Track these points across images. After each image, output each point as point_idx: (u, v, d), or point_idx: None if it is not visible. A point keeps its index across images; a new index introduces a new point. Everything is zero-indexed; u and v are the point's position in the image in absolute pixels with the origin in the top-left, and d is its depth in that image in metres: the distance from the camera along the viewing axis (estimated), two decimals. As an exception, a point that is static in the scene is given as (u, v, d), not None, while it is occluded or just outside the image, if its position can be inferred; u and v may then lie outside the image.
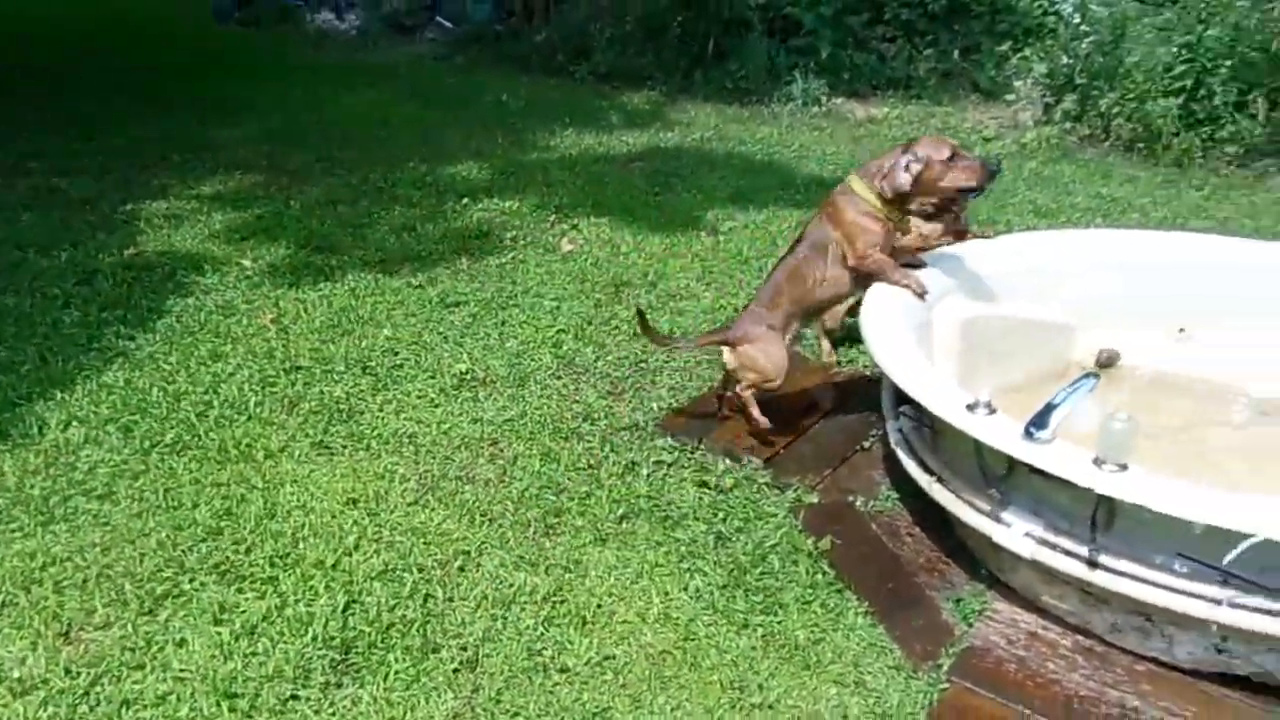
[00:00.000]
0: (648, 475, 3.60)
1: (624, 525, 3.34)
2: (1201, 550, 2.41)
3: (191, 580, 3.04)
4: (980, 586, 3.07)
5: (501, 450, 3.74)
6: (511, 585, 3.04)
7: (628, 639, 2.85)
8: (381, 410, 3.98)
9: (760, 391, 3.70)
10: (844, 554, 3.20)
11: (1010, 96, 8.49)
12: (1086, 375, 2.70)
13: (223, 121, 8.37)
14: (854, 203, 3.47)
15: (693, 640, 2.85)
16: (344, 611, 2.91)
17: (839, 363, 4.43)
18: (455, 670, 2.73)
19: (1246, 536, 2.28)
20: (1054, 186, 6.82)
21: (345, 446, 3.73)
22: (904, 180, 3.36)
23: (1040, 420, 2.56)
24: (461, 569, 3.12)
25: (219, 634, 2.82)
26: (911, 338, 3.24)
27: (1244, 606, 2.43)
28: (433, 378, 4.23)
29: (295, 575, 3.05)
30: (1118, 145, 7.48)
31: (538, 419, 3.95)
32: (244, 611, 2.91)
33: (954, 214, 3.99)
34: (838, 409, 4.05)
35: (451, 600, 2.99)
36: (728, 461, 3.69)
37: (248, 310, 4.83)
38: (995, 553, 2.91)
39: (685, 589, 3.05)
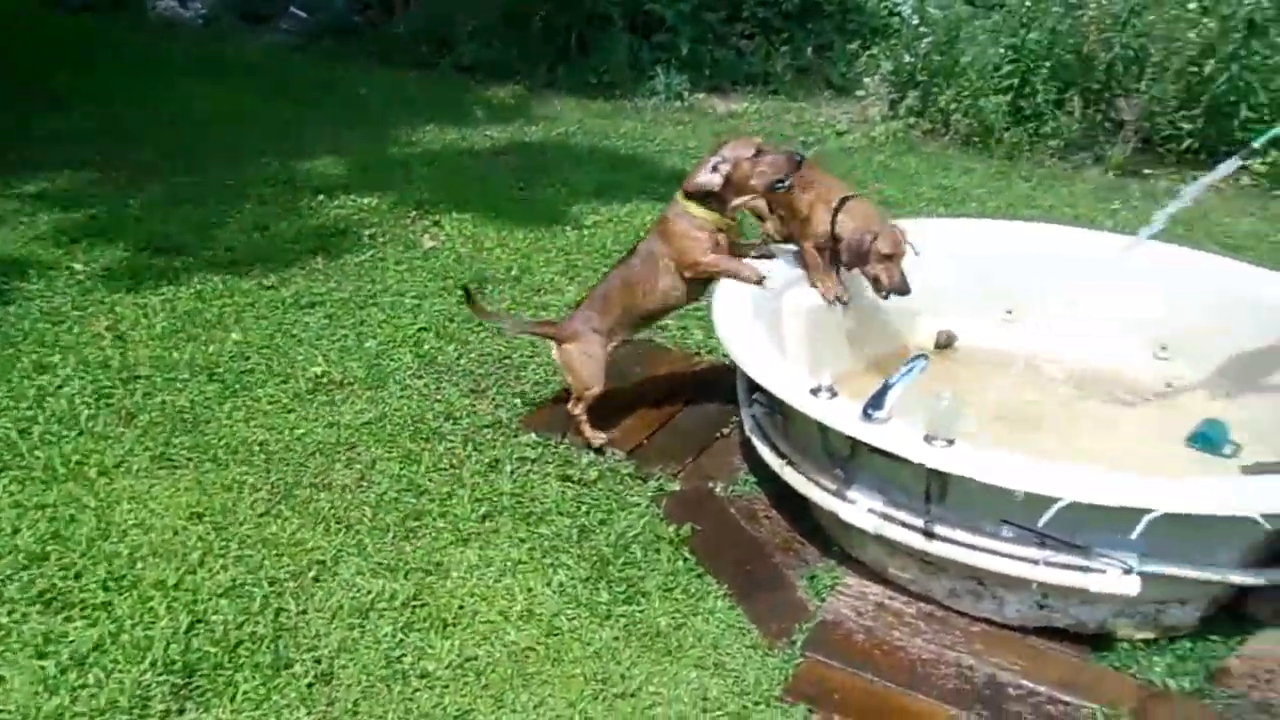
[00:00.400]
0: (511, 472, 3.60)
1: (487, 524, 3.33)
2: (1021, 516, 2.56)
3: (11, 612, 2.85)
4: (832, 563, 3.17)
5: (359, 454, 3.68)
6: (369, 593, 3.00)
7: (490, 639, 2.85)
8: (230, 418, 3.85)
9: (586, 401, 3.70)
10: (704, 539, 3.27)
11: (860, 93, 8.73)
12: (918, 357, 2.81)
13: (52, 114, 7.85)
14: (682, 217, 3.53)
15: (556, 635, 2.87)
16: (187, 633, 2.80)
17: (699, 352, 4.50)
18: (309, 685, 2.67)
19: (1056, 501, 2.43)
20: (901, 178, 7.04)
21: (189, 459, 3.60)
22: (712, 181, 3.43)
23: (876, 402, 2.66)
24: (316, 579, 3.05)
25: (43, 668, 2.66)
26: (761, 327, 3.31)
27: (1058, 564, 2.61)
28: (285, 382, 4.12)
29: (132, 598, 2.91)
30: (956, 139, 7.77)
31: (398, 421, 3.90)
32: (72, 641, 2.75)
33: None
34: (699, 397, 4.11)
35: (305, 612, 2.92)
36: (591, 454, 3.71)
37: (79, 317, 4.58)
38: (845, 530, 3.01)
39: (549, 584, 3.07)
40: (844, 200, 3.60)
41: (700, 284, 3.63)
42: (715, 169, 3.43)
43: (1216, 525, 2.48)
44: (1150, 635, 2.84)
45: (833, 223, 3.56)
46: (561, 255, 5.52)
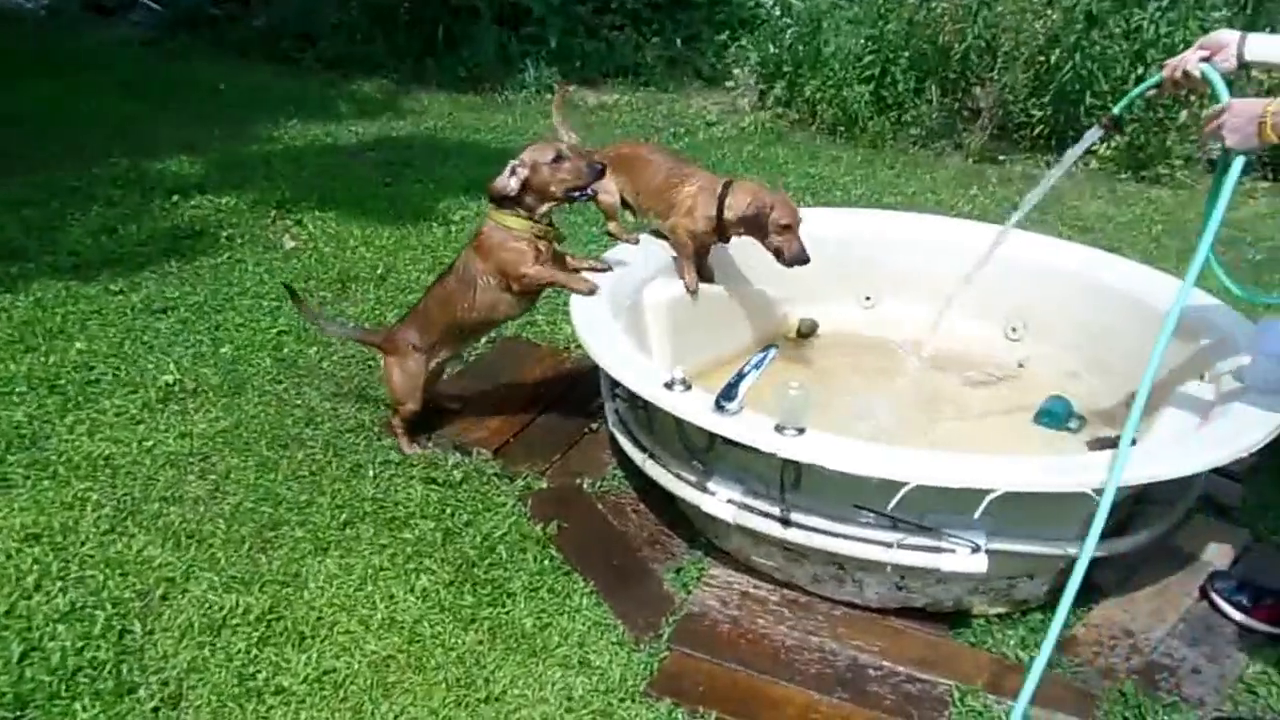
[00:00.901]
0: (374, 477, 3.50)
1: (347, 531, 3.23)
2: (872, 500, 2.59)
3: None
4: (699, 554, 3.16)
5: (213, 465, 3.53)
6: (222, 609, 2.87)
7: (350, 650, 2.76)
8: (72, 432, 3.65)
9: (403, 416, 3.63)
10: (571, 537, 3.23)
11: (730, 83, 8.80)
12: (769, 347, 2.82)
13: None
14: (496, 230, 3.41)
15: (418, 642, 2.80)
16: (20, 663, 2.64)
17: (569, 347, 4.45)
18: (155, 709, 2.55)
19: (902, 485, 2.46)
20: (770, 167, 7.09)
21: (26, 477, 3.39)
22: (508, 185, 3.32)
23: (729, 393, 2.65)
24: (165, 598, 2.91)
25: None
26: (620, 320, 3.28)
27: (911, 546, 2.65)
28: (134, 392, 3.93)
29: (-43, 631, 2.73)
30: (823, 128, 7.88)
31: (255, 428, 3.76)
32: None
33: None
34: (569, 393, 4.06)
35: (152, 633, 2.79)
36: (457, 455, 3.64)
37: (-97, 332, 4.28)
38: (709, 521, 3.00)
39: (411, 590, 2.99)
40: (728, 183, 3.59)
41: (531, 296, 3.54)
42: (513, 173, 3.32)
43: (1055, 501, 2.54)
44: (1004, 610, 2.91)
45: (720, 206, 3.54)
46: (428, 253, 5.41)
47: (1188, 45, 6.85)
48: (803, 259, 3.51)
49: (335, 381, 4.11)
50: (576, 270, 3.54)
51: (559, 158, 3.33)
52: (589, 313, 3.28)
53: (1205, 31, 7.11)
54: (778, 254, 3.53)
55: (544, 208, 3.37)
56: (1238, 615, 2.88)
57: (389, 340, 3.61)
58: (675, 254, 3.72)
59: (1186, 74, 2.66)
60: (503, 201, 3.37)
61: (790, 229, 3.50)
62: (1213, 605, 2.94)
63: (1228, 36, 2.60)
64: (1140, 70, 7.12)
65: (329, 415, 3.87)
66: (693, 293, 3.69)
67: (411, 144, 7.46)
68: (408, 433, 3.66)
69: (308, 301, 3.83)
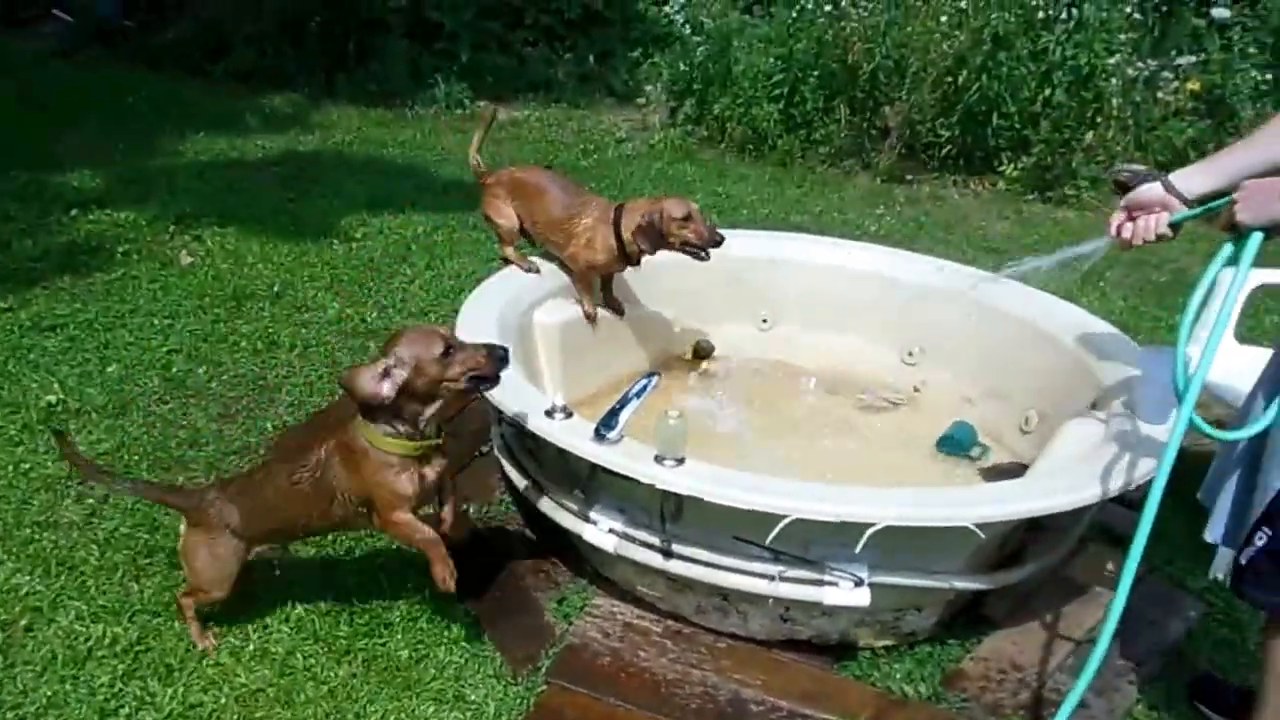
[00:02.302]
0: (255, 501, 3.39)
1: (225, 558, 3.12)
2: (752, 532, 2.54)
3: None
4: (584, 583, 3.10)
5: (91, 489, 3.39)
6: (88, 639, 2.76)
7: (218, 682, 2.66)
8: (-56, 455, 3.50)
9: (197, 600, 2.80)
10: (455, 564, 3.13)
11: (641, 100, 8.80)
12: (651, 374, 2.77)
13: None
14: (368, 451, 2.60)
15: (289, 675, 2.70)
16: None
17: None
18: (7, 748, 2.43)
19: (783, 518, 2.42)
20: (678, 185, 7.08)
21: (-108, 500, 3.25)
22: (383, 391, 2.45)
23: (609, 421, 2.60)
24: (29, 629, 2.79)
25: None
26: (507, 343, 3.21)
27: (794, 579, 2.60)
28: (15, 412, 3.79)
29: None
30: (732, 146, 7.90)
31: (138, 450, 3.64)
32: None
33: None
34: (462, 415, 3.96)
35: (13, 666, 2.67)
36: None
37: None
38: (593, 549, 2.94)
39: (286, 620, 2.89)
40: (620, 207, 3.55)
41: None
42: (386, 375, 2.45)
43: (939, 535, 2.51)
44: (890, 642, 2.87)
45: (618, 231, 3.49)
46: (327, 270, 5.30)
47: (1094, 68, 7.16)
48: (715, 239, 3.43)
49: (223, 402, 4.00)
50: (446, 521, 2.83)
51: (448, 349, 2.52)
52: (474, 335, 3.19)
53: (1111, 53, 7.32)
54: (688, 247, 3.44)
55: (429, 412, 2.56)
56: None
57: (199, 510, 2.73)
58: (575, 281, 3.67)
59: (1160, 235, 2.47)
60: (374, 412, 2.53)
61: (689, 218, 3.43)
62: (1200, 711, 2.79)
63: (1153, 193, 2.44)
64: (1047, 92, 7.25)
65: (214, 437, 3.76)
66: (591, 320, 3.66)
67: (318, 159, 7.34)
68: (199, 619, 2.81)
69: (79, 452, 3.05)
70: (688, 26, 8.16)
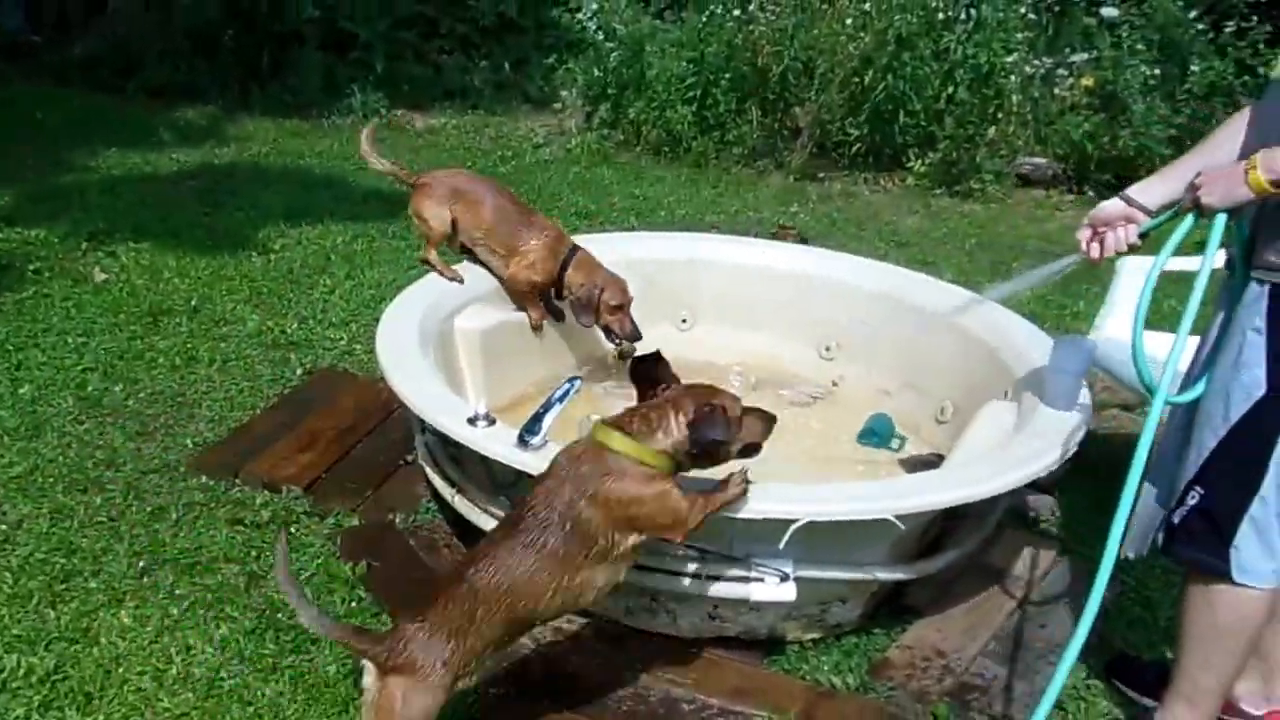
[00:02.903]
0: (176, 520, 3.28)
1: (145, 580, 3.01)
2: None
3: None
4: (513, 589, 3.04)
5: (4, 514, 3.26)
6: (2, 671, 2.62)
7: (140, 709, 2.56)
8: None
9: None
10: (382, 575, 3.08)
11: (558, 106, 8.75)
12: (573, 378, 2.72)
13: None
14: (629, 466, 2.29)
15: (215, 696, 2.61)
16: None
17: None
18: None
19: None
20: (596, 189, 7.05)
21: None
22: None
23: (532, 427, 2.55)
24: (-61, 662, 2.65)
25: None
26: (427, 351, 3.15)
27: (720, 577, 2.58)
28: (-77, 438, 3.61)
29: None
30: (648, 149, 7.87)
31: (52, 472, 3.49)
32: None
33: None
34: (384, 424, 3.88)
35: (-77, 702, 2.52)
36: (266, 493, 3.44)
37: None
38: (522, 555, 2.88)
39: (210, 640, 2.79)
40: (574, 250, 3.59)
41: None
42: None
43: (862, 527, 2.52)
44: (817, 635, 2.87)
45: (561, 273, 3.56)
46: (246, 283, 5.15)
47: (993, 66, 7.28)
48: (635, 337, 3.56)
49: (141, 420, 3.86)
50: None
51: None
52: (395, 345, 3.14)
53: (1009, 52, 7.46)
54: (608, 332, 3.59)
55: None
56: (1138, 697, 2.77)
57: (397, 651, 2.17)
58: (511, 296, 3.68)
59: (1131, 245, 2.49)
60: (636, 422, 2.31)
61: (621, 309, 3.54)
62: (1119, 689, 2.81)
63: (1115, 208, 2.46)
64: (950, 90, 7.35)
65: (132, 456, 3.63)
66: (537, 330, 3.69)
67: (234, 171, 7.14)
68: None
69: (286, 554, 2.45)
70: (600, 33, 8.11)
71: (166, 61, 9.07)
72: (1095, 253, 2.50)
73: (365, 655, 2.22)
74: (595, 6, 8.23)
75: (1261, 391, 2.15)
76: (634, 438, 2.27)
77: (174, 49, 9.09)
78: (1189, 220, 2.26)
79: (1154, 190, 2.41)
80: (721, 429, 2.27)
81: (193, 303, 4.87)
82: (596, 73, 8.09)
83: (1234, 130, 2.34)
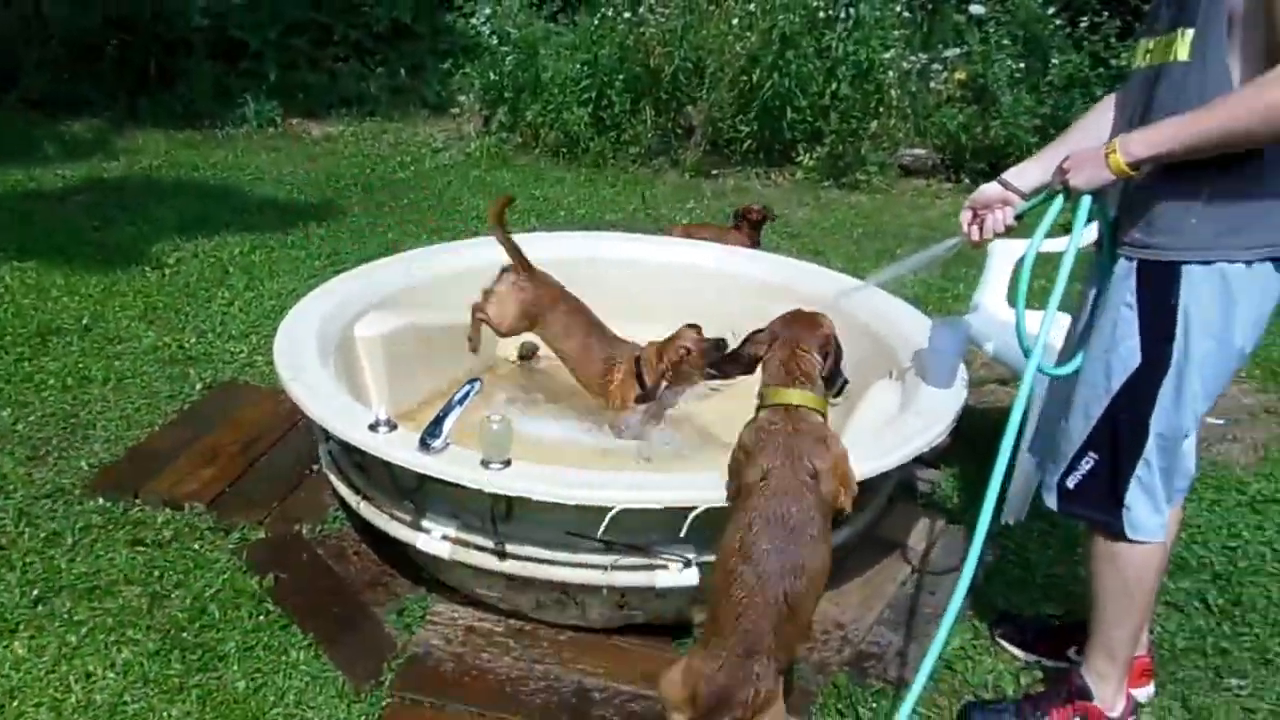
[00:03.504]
0: (72, 545, 3.12)
1: (40, 608, 2.84)
2: (583, 525, 2.47)
3: None
4: (423, 592, 2.97)
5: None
6: (-115, 715, 2.47)
7: (39, 740, 2.42)
8: None
9: None
10: (289, 587, 2.97)
11: (455, 110, 8.64)
12: (473, 380, 2.67)
13: None
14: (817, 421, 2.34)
15: (118, 722, 2.49)
16: None
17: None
18: None
19: (608, 509, 2.37)
20: (495, 192, 6.89)
21: None
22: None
23: (433, 430, 2.49)
24: None
25: None
26: (327, 360, 3.07)
27: (626, 567, 2.56)
28: None
29: None
30: (546, 151, 7.84)
31: (-62, 502, 3.29)
32: None
33: None
34: (289, 435, 3.76)
35: None
36: (169, 511, 3.29)
37: None
38: (430, 557, 2.82)
39: (112, 665, 2.65)
40: (637, 359, 3.47)
41: None
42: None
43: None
44: (724, 615, 2.86)
45: (641, 380, 3.43)
46: (140, 298, 4.96)
47: (873, 62, 7.41)
48: (721, 349, 3.32)
49: (31, 445, 3.67)
50: None
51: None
52: (293, 354, 3.04)
53: (887, 48, 7.60)
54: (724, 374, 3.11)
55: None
56: (1022, 654, 2.82)
57: (752, 698, 1.98)
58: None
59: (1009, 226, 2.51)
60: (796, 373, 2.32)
61: (700, 352, 3.40)
62: (1003, 647, 2.86)
63: (992, 191, 2.49)
64: (834, 86, 7.45)
65: (22, 481, 3.44)
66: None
67: (124, 185, 6.88)
68: None
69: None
70: (495, 37, 8.03)
71: (45, 71, 8.71)
72: (976, 235, 2.54)
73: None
74: (489, 11, 8.14)
75: (1137, 362, 2.21)
76: (807, 389, 2.26)
77: (51, 58, 8.72)
78: (1059, 201, 2.32)
79: (1028, 174, 2.46)
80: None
81: (84, 321, 4.66)
82: (492, 76, 8.03)
83: (1100, 114, 2.41)
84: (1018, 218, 2.48)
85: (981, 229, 2.52)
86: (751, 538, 2.08)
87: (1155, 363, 2.19)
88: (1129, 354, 2.22)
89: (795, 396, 2.26)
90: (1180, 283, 2.13)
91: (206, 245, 5.69)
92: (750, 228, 4.82)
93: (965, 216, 2.56)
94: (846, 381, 2.48)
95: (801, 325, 2.41)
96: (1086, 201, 2.23)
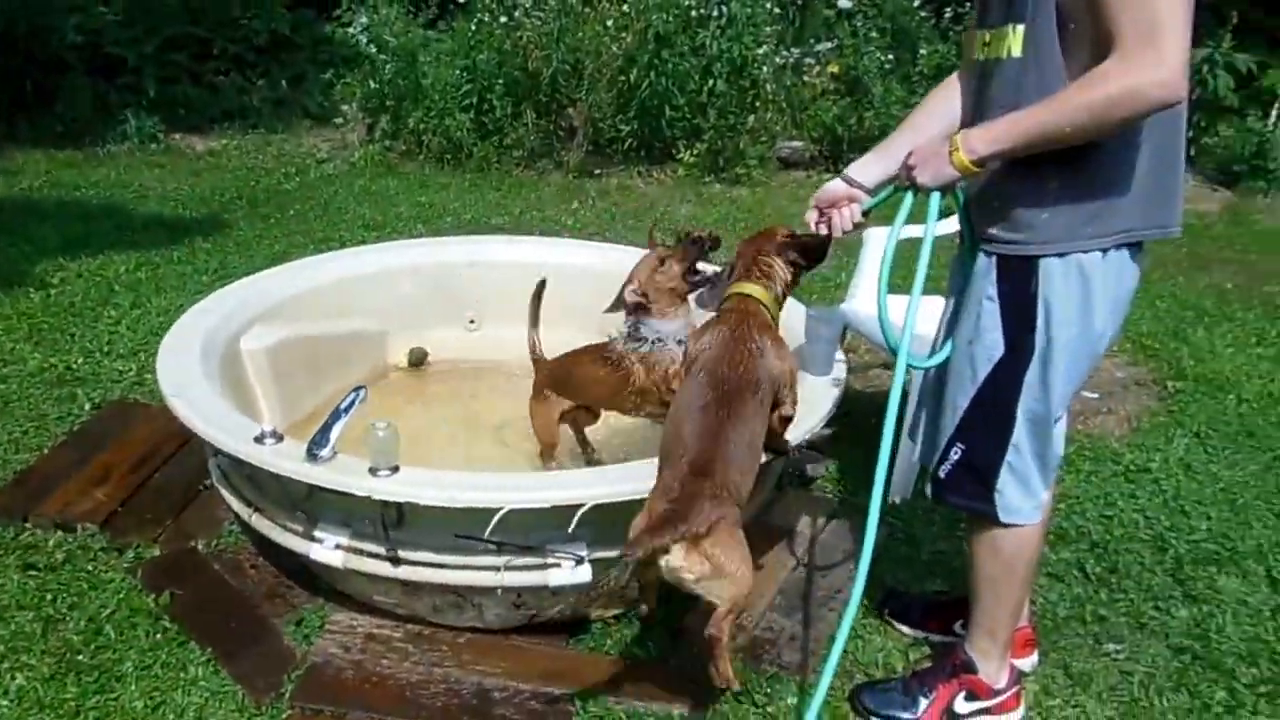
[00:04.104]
0: (-41, 574, 3.00)
1: (-73, 641, 2.74)
2: (473, 528, 2.47)
3: None
4: (320, 601, 2.93)
5: None
6: None
7: (-70, 777, 2.34)
8: None
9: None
10: (186, 603, 2.90)
11: (339, 120, 8.48)
12: (358, 388, 2.64)
13: None
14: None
15: (13, 751, 2.41)
16: None
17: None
18: None
19: (497, 511, 2.37)
20: (381, 200, 6.87)
21: None
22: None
23: (320, 439, 2.47)
24: None
25: None
26: (211, 373, 3.00)
27: (519, 567, 2.55)
28: None
29: None
30: (430, 157, 7.74)
31: None
32: None
33: None
34: (181, 451, 3.65)
35: None
36: (60, 534, 3.18)
37: None
38: (324, 567, 2.79)
39: (5, 692, 2.56)
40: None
41: None
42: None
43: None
44: (619, 610, 2.85)
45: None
46: (24, 320, 4.76)
47: (747, 59, 7.48)
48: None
49: (-80, 472, 3.51)
50: None
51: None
52: (175, 370, 2.97)
53: (759, 45, 7.69)
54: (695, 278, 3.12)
55: None
56: (910, 631, 2.85)
57: (696, 516, 2.04)
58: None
59: (856, 224, 2.48)
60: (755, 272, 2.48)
61: (660, 260, 3.17)
62: (891, 625, 2.88)
63: (837, 189, 2.46)
64: (710, 83, 7.51)
65: (-96, 513, 3.29)
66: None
67: (3, 206, 6.56)
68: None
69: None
70: (373, 45, 7.89)
71: (-90, 94, 8.24)
72: (824, 233, 2.50)
73: (670, 543, 2.02)
74: (365, 20, 7.99)
75: (1000, 352, 2.21)
76: (762, 286, 2.43)
77: (-82, 80, 8.26)
78: (909, 196, 2.25)
79: (871, 169, 2.43)
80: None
81: (-37, 347, 4.47)
82: (373, 85, 7.89)
83: (941, 100, 2.38)
84: (865, 214, 2.45)
85: (830, 227, 2.47)
86: (698, 386, 2.25)
87: (1019, 352, 2.19)
88: (993, 345, 2.21)
89: (750, 288, 2.42)
90: (1039, 275, 2.12)
91: (91, 264, 5.49)
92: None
93: (812, 216, 2.51)
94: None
95: (762, 237, 2.53)
96: (936, 199, 2.20)
